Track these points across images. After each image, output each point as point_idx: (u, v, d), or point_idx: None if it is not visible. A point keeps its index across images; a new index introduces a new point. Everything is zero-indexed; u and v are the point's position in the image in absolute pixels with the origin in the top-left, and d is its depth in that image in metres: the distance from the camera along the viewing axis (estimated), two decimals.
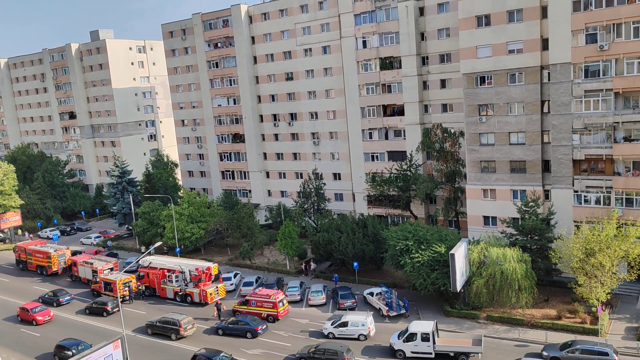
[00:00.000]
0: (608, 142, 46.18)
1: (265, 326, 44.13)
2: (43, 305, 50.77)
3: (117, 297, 47.25)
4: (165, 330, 43.98)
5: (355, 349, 39.69)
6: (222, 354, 38.17)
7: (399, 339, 38.84)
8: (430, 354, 37.68)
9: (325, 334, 42.49)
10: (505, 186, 52.79)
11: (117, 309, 47.47)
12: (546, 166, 51.01)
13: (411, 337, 38.10)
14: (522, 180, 51.96)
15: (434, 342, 37.62)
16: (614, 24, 44.46)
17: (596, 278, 39.80)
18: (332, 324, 42.73)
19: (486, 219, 54.36)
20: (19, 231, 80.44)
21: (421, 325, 38.97)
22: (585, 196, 48.07)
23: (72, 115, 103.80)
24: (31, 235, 79.30)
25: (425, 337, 37.69)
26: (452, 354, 37.58)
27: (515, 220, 49.62)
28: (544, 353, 36.64)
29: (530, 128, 50.82)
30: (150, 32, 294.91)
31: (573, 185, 48.33)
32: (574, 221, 47.71)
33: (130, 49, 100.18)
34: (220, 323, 45.10)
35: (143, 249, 69.08)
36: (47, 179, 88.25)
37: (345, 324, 42.00)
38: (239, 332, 43.55)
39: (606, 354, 34.60)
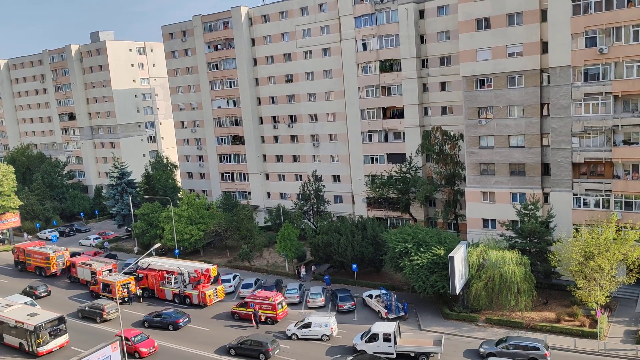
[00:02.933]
0: (607, 146, 46.24)
1: (187, 319, 46.36)
2: (144, 334, 42.52)
3: (115, 299, 47.23)
4: (92, 314, 49.06)
5: (319, 350, 40.17)
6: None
7: (361, 339, 39.58)
8: (392, 354, 38.47)
9: (289, 335, 42.87)
10: (505, 189, 52.82)
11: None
12: (545, 169, 51.05)
13: (373, 338, 38.88)
14: (521, 183, 51.99)
15: (395, 343, 38.34)
16: (613, 28, 44.56)
17: (595, 281, 39.81)
18: (295, 326, 43.18)
19: (485, 221, 54.37)
20: (25, 234, 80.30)
21: (383, 326, 39.74)
22: (584, 199, 48.10)
23: (72, 117, 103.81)
24: (30, 237, 79.18)
25: (386, 338, 38.50)
26: (412, 354, 38.32)
27: (514, 223, 49.65)
28: (481, 349, 38.14)
29: (530, 131, 50.87)
30: (151, 34, 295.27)
31: (572, 189, 48.38)
32: (573, 224, 47.73)
33: (130, 50, 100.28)
34: (146, 316, 47.80)
35: (136, 249, 69.74)
36: (47, 180, 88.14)
37: (308, 325, 42.54)
38: (161, 324, 46.19)
39: (537, 349, 36.55)
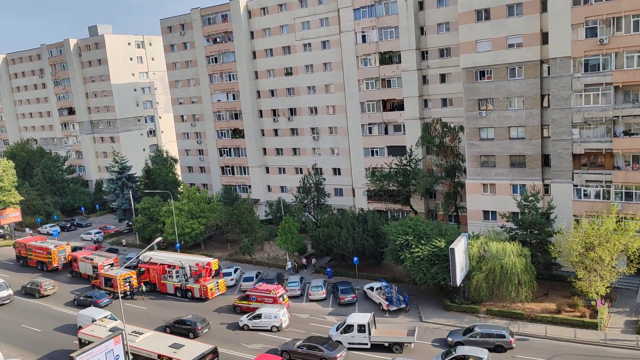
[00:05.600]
0: (608, 136, 46.19)
1: (108, 299, 50.04)
2: None
3: (117, 293, 47.41)
4: (32, 290, 54.43)
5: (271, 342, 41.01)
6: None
7: (337, 330, 40.18)
8: (366, 344, 39.05)
9: (241, 325, 44.28)
10: (505, 181, 52.82)
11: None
12: (546, 160, 51.02)
13: (348, 329, 39.44)
14: (521, 174, 51.98)
15: (369, 333, 38.90)
16: (614, 18, 44.36)
17: (595, 272, 39.91)
18: (247, 317, 44.39)
19: (486, 213, 54.41)
20: (26, 229, 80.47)
21: (358, 317, 40.22)
22: (584, 190, 48.12)
23: (71, 111, 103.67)
24: (31, 231, 79.33)
25: (361, 329, 38.98)
26: (386, 344, 38.94)
27: (515, 214, 49.70)
28: (449, 339, 39.04)
29: (530, 122, 50.80)
30: (150, 27, 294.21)
31: (573, 180, 48.38)
32: (574, 215, 47.77)
33: (129, 44, 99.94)
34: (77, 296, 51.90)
35: (124, 241, 71.70)
36: (47, 175, 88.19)
37: (259, 316, 43.75)
38: (87, 304, 49.44)
39: (503, 336, 37.74)
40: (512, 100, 51.53)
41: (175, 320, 44.10)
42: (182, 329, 42.79)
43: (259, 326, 43.56)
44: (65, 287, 56.79)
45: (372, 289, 48.59)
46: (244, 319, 44.44)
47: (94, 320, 42.61)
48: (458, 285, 43.54)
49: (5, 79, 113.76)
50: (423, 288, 46.88)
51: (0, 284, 53.65)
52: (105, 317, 43.18)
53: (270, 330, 43.21)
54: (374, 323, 40.40)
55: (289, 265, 57.14)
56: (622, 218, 42.84)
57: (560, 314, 41.66)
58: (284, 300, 47.02)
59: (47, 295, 54.14)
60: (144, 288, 53.11)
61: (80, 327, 42.29)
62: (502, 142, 52.46)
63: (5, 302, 52.49)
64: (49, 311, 50.56)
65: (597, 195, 47.46)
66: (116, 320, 42.60)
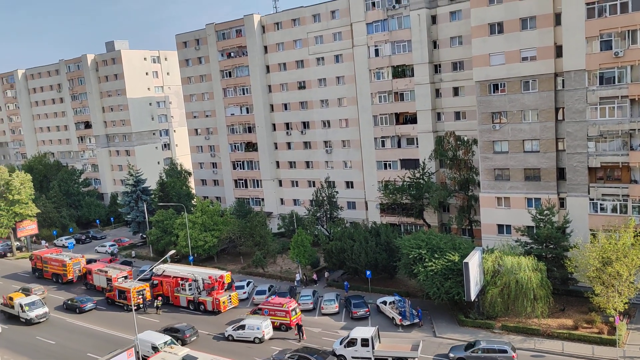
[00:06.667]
0: (624, 150, 45.62)
1: (92, 304, 53.50)
2: None
3: (131, 305, 47.58)
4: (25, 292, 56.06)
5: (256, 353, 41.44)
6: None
7: (340, 344, 39.90)
8: (370, 359, 38.71)
9: (226, 335, 45.06)
10: (520, 194, 52.32)
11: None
12: (561, 174, 50.50)
13: (352, 343, 39.28)
14: (536, 188, 51.47)
15: (373, 348, 38.62)
16: (629, 31, 44.06)
17: (613, 287, 39.17)
18: (232, 327, 45.21)
19: (500, 227, 53.87)
20: (42, 241, 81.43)
21: (362, 331, 40.08)
22: (601, 204, 47.45)
23: (88, 125, 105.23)
24: (47, 244, 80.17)
25: (364, 343, 38.78)
26: (390, 359, 38.52)
27: (530, 228, 49.11)
28: (451, 354, 38.66)
29: (545, 135, 50.40)
30: (166, 43, 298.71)
31: (589, 193, 47.75)
32: (590, 230, 47.07)
33: (145, 59, 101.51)
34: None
35: (134, 253, 73.32)
36: (63, 188, 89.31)
37: (243, 327, 44.54)
38: (74, 307, 53.30)
39: (505, 351, 37.27)
40: (526, 113, 51.21)
41: (166, 328, 45.52)
42: (171, 335, 43.83)
43: (242, 337, 44.30)
44: None
45: (385, 303, 48.21)
46: (229, 330, 45.32)
47: (154, 347, 40.77)
48: (472, 300, 42.99)
49: (24, 94, 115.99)
50: (437, 302, 46.40)
51: (34, 301, 52.08)
52: (165, 343, 41.14)
53: (253, 342, 43.73)
54: (378, 337, 40.16)
55: (297, 277, 56.96)
56: (639, 233, 42.10)
57: (578, 331, 40.88)
58: (296, 314, 46.80)
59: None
60: (159, 303, 52.66)
61: (145, 358, 39.44)
62: (517, 155, 52.06)
63: (41, 319, 50.83)
64: (63, 323, 50.86)
65: (613, 209, 46.76)
66: (178, 344, 41.56)
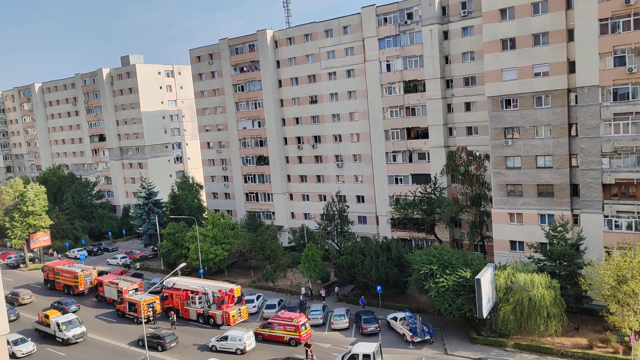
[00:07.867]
0: (639, 166, 45.09)
1: (76, 307, 56.49)
2: None
3: (141, 318, 47.62)
4: (11, 300, 59.41)
5: None
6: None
7: (342, 359, 39.46)
8: None
9: (209, 346, 45.66)
10: (533, 210, 51.83)
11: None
12: (575, 190, 50.00)
13: (354, 358, 38.80)
14: (549, 204, 50.97)
15: None
16: None
17: (629, 306, 38.46)
18: (215, 338, 45.95)
19: (513, 243, 53.31)
20: (54, 253, 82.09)
21: (363, 347, 39.84)
22: (616, 221, 46.82)
23: (102, 138, 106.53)
24: (59, 255, 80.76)
25: (366, 359, 38.40)
26: None
27: (543, 245, 48.50)
28: None
29: (558, 151, 50.03)
30: (180, 57, 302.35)
31: (603, 210, 47.18)
32: (605, 247, 46.43)
33: (159, 73, 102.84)
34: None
35: (138, 265, 73.95)
36: (76, 200, 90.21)
37: (225, 338, 45.23)
38: (60, 309, 55.06)
39: None
40: (538, 129, 50.93)
41: (150, 334, 46.76)
42: (152, 342, 45.90)
43: (225, 348, 44.87)
44: (90, 311, 57.34)
45: (395, 319, 47.71)
46: (212, 340, 45.80)
47: None
48: (484, 317, 42.42)
49: (41, 107, 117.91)
50: (448, 319, 45.85)
51: (72, 320, 49.41)
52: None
53: (234, 353, 44.18)
54: (380, 353, 39.77)
55: (302, 291, 56.69)
56: None
57: (592, 350, 40.13)
58: (306, 328, 46.50)
59: (25, 304, 59.67)
60: (174, 318, 51.75)
61: None
62: (529, 171, 51.68)
63: (79, 339, 48.44)
64: None
65: (629, 227, 46.11)
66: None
